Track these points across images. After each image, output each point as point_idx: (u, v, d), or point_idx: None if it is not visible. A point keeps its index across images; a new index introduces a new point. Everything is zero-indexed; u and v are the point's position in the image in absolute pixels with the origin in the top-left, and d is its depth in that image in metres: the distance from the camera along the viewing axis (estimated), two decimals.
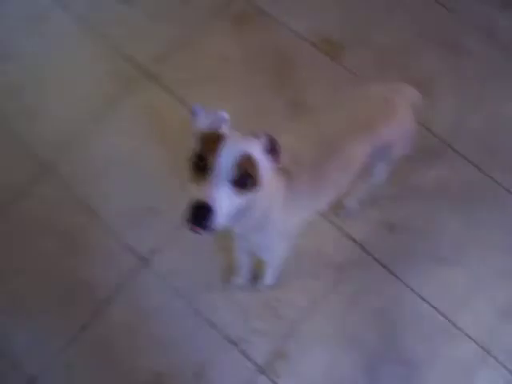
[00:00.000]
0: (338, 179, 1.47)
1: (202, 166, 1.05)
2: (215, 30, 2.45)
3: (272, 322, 1.90)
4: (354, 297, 1.96)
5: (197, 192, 1.03)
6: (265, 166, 1.11)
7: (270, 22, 2.47)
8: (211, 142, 1.05)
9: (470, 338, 1.90)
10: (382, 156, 1.60)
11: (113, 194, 2.09)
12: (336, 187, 1.50)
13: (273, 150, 1.13)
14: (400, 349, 1.88)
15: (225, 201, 1.03)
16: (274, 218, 1.29)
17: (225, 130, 1.11)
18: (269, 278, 1.83)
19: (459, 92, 2.35)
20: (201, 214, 1.00)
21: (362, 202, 2.04)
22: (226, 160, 1.03)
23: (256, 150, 1.09)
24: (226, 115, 1.13)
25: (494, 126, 2.29)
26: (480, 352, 1.90)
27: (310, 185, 1.38)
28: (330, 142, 1.41)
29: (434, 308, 1.95)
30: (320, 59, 2.38)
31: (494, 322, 1.96)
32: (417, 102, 1.60)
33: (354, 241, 2.04)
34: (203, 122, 1.12)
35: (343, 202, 2.02)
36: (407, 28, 2.50)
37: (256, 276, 1.91)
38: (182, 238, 1.99)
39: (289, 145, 1.30)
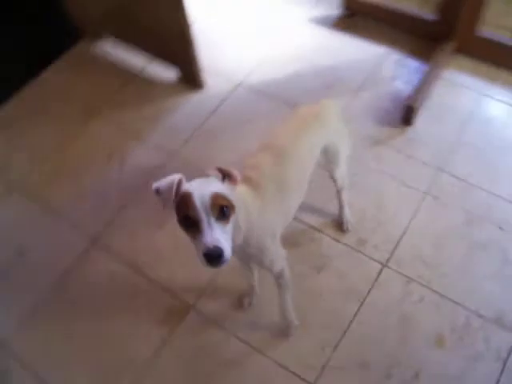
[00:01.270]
0: (297, 179, 1.69)
1: (190, 223, 1.23)
2: None
3: None
4: None
5: (201, 243, 1.20)
6: (228, 190, 1.30)
7: None
8: (185, 203, 1.23)
9: None
10: (331, 160, 1.85)
11: None
12: (297, 188, 1.71)
13: (226, 175, 1.31)
14: None
15: (222, 235, 1.21)
16: (256, 223, 1.47)
17: (186, 186, 1.26)
18: (286, 302, 1.89)
19: None
20: (215, 256, 1.19)
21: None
22: (202, 207, 1.21)
23: (216, 185, 1.28)
24: (178, 175, 1.27)
25: None
26: None
27: (275, 189, 1.58)
28: (281, 150, 1.63)
29: None
30: None
31: None
32: (340, 109, 1.89)
33: None
34: (168, 194, 1.25)
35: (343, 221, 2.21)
36: None
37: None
38: None
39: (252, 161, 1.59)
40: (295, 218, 1.91)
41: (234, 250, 1.39)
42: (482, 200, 2.27)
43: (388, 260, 2.12)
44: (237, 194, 1.34)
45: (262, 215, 1.52)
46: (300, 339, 1.97)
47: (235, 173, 1.32)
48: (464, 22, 2.60)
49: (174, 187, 1.24)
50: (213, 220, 1.21)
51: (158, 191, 1.26)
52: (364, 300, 2.04)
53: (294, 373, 1.89)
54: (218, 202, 1.22)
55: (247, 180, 1.50)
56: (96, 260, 2.23)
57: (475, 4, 2.50)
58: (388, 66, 2.80)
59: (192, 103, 2.72)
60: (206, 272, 2.13)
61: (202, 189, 1.24)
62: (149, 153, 2.54)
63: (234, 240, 1.35)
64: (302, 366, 1.91)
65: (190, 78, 2.73)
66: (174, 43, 2.57)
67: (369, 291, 2.06)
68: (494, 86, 2.66)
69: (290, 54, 2.90)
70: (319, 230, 2.23)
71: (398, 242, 2.17)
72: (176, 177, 1.26)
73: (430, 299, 2.02)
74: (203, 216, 1.20)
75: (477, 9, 2.52)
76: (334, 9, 3.07)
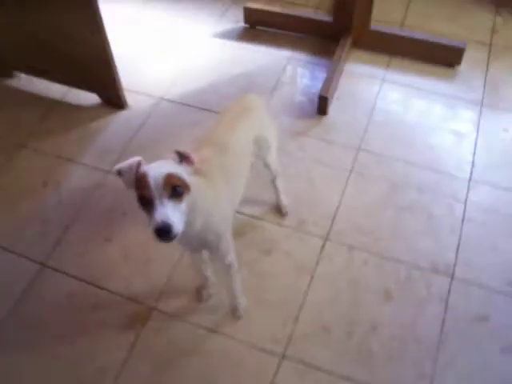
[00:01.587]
0: (239, 168, 1.86)
1: (146, 202, 1.34)
2: None
3: None
4: None
5: (152, 220, 1.32)
6: (184, 172, 1.41)
7: None
8: (140, 182, 1.34)
9: None
10: (263, 148, 2.01)
11: None
12: (241, 176, 1.87)
13: (184, 158, 1.43)
14: None
15: (173, 212, 1.32)
16: (213, 210, 1.61)
17: (144, 167, 1.36)
18: (237, 287, 2.02)
19: None
20: (165, 231, 1.30)
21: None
22: (156, 186, 1.32)
23: (172, 166, 1.39)
24: (138, 158, 1.38)
25: None
26: None
27: (223, 178, 1.72)
28: (221, 143, 1.78)
29: None
30: None
31: None
32: (264, 103, 2.07)
33: None
34: (129, 175, 1.36)
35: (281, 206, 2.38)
36: None
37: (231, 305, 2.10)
38: None
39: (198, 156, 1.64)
40: (237, 211, 2.04)
41: (193, 237, 1.56)
42: (399, 169, 2.53)
43: (328, 234, 2.31)
44: (194, 184, 1.45)
45: (216, 202, 1.65)
46: (262, 318, 2.09)
47: (192, 155, 1.43)
48: (357, 20, 2.90)
49: (134, 169, 1.35)
50: (165, 198, 1.32)
51: (119, 172, 1.36)
52: (314, 273, 2.19)
53: (262, 349, 2.00)
54: (171, 181, 1.33)
55: (198, 172, 1.60)
56: (50, 282, 2.23)
57: (365, 3, 2.82)
58: (296, 66, 3.05)
59: (118, 123, 2.81)
60: (162, 274, 2.21)
61: (157, 170, 1.34)
62: (83, 174, 2.59)
63: (194, 224, 1.49)
64: (269, 342, 2.02)
65: (113, 99, 2.82)
66: (95, 69, 2.66)
67: (316, 264, 2.22)
68: (390, 71, 2.99)
69: (203, 68, 3.08)
70: (261, 218, 2.38)
71: (334, 217, 2.36)
72: (136, 159, 1.37)
73: (372, 262, 2.22)
74: (156, 195, 1.31)
75: (367, 7, 2.83)
76: (237, 22, 3.31)
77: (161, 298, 2.15)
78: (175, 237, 1.32)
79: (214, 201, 1.64)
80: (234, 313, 2.09)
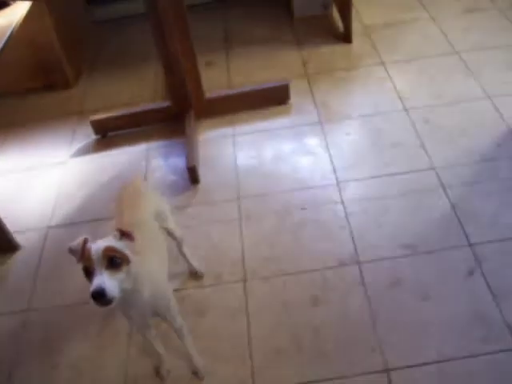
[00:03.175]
0: (157, 238, 2.09)
1: (88, 272, 1.54)
2: None
3: None
4: None
5: (91, 286, 1.50)
6: (123, 246, 1.61)
7: None
8: (84, 256, 1.53)
9: None
10: (163, 219, 2.24)
11: None
12: (161, 244, 2.10)
13: (125, 235, 1.64)
14: None
15: (109, 279, 1.50)
16: (155, 278, 1.84)
17: (89, 243, 1.56)
18: (191, 348, 2.18)
19: None
20: (99, 296, 1.47)
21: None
22: (96, 258, 1.52)
23: (111, 241, 1.59)
24: (84, 236, 1.58)
25: None
26: None
27: (150, 249, 1.92)
28: (134, 223, 1.95)
29: None
30: None
31: None
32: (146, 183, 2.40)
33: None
34: (77, 251, 1.55)
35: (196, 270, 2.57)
36: None
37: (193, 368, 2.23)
38: None
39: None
40: None
41: (145, 304, 1.77)
42: (278, 200, 2.85)
43: (244, 276, 2.53)
44: (134, 260, 1.63)
45: (156, 271, 1.89)
46: (222, 369, 2.22)
47: (131, 232, 1.64)
48: (192, 95, 3.26)
49: (80, 246, 1.55)
50: (103, 269, 1.50)
51: (70, 250, 1.57)
52: (247, 312, 2.39)
53: None
54: (108, 253, 1.53)
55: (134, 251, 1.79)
56: None
57: (193, 79, 3.21)
58: (156, 153, 3.33)
59: (17, 265, 2.86)
60: (118, 375, 2.28)
61: (98, 245, 1.55)
62: (4, 322, 2.60)
63: (143, 293, 1.72)
64: None
65: (4, 245, 2.89)
66: None
67: (246, 304, 2.42)
68: (237, 126, 3.38)
69: (74, 186, 3.25)
70: (183, 288, 2.54)
71: (243, 260, 2.59)
72: (82, 238, 1.57)
73: (289, 281, 2.46)
74: (94, 265, 1.50)
75: (196, 82, 3.23)
76: (89, 137, 3.55)
77: None
78: (111, 301, 1.50)
79: (155, 270, 1.87)
80: (197, 375, 2.21)
